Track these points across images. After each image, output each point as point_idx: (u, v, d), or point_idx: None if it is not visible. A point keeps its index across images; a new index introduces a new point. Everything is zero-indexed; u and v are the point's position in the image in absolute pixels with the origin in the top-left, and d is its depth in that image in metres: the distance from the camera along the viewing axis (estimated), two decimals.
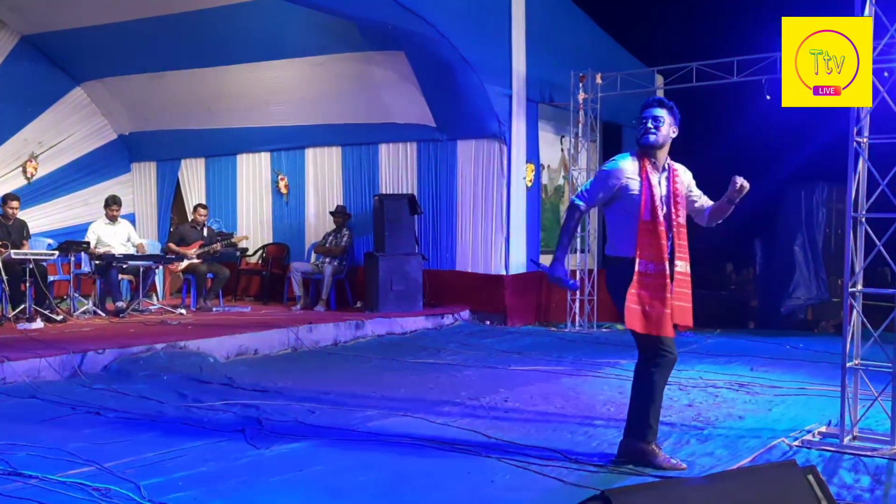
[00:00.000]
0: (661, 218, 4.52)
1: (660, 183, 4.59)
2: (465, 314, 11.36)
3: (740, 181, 4.51)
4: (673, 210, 4.58)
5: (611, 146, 13.55)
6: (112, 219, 11.08)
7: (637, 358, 4.65)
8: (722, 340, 10.28)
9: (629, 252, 4.53)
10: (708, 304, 13.67)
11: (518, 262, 11.44)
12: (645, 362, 4.60)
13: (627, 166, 4.61)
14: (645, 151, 4.62)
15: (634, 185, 4.55)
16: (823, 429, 5.33)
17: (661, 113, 4.63)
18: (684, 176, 4.77)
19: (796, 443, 5.07)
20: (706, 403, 6.32)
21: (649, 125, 4.61)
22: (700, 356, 8.82)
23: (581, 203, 4.71)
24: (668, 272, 4.48)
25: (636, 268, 4.47)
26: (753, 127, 12.91)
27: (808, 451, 4.89)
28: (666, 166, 4.67)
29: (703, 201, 4.82)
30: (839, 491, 4.15)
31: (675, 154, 4.73)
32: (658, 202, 4.53)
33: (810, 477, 3.05)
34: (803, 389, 6.86)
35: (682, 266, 4.58)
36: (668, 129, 4.63)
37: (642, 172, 4.56)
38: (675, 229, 4.57)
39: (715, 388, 6.93)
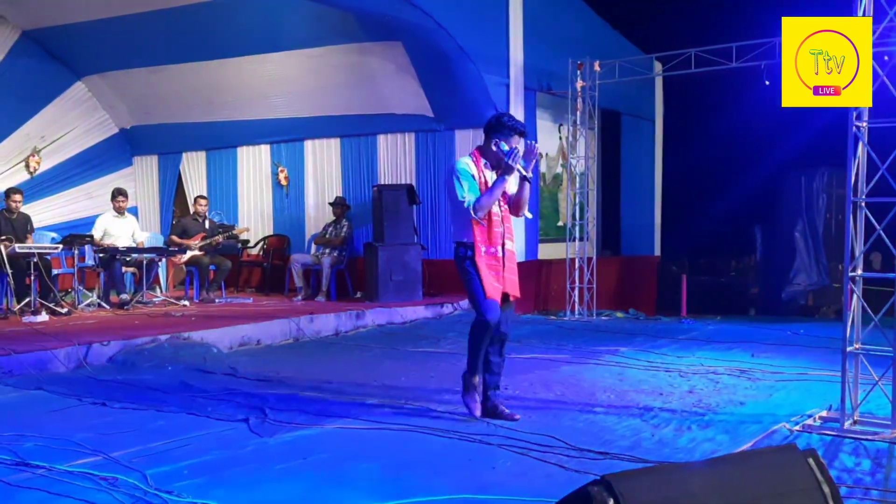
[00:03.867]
0: (497, 209, 5.20)
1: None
2: (465, 303, 11.35)
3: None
4: (501, 200, 5.25)
5: (609, 133, 13.56)
6: (119, 211, 11.09)
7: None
8: (723, 327, 10.31)
9: (470, 238, 5.17)
10: (708, 290, 13.75)
11: (517, 251, 11.37)
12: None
13: (472, 166, 5.19)
14: (483, 153, 5.24)
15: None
16: (824, 413, 5.35)
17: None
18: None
19: (797, 427, 5.09)
20: (707, 389, 6.35)
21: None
22: (701, 343, 8.86)
23: (477, 206, 5.13)
24: (500, 254, 5.24)
25: (481, 250, 5.16)
26: (752, 112, 12.90)
27: (808, 436, 4.91)
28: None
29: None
30: (840, 474, 4.17)
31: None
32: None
33: (811, 460, 3.06)
34: (804, 375, 6.88)
35: (510, 245, 5.36)
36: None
37: (479, 171, 5.18)
38: (503, 215, 5.28)
39: (716, 374, 6.96)
